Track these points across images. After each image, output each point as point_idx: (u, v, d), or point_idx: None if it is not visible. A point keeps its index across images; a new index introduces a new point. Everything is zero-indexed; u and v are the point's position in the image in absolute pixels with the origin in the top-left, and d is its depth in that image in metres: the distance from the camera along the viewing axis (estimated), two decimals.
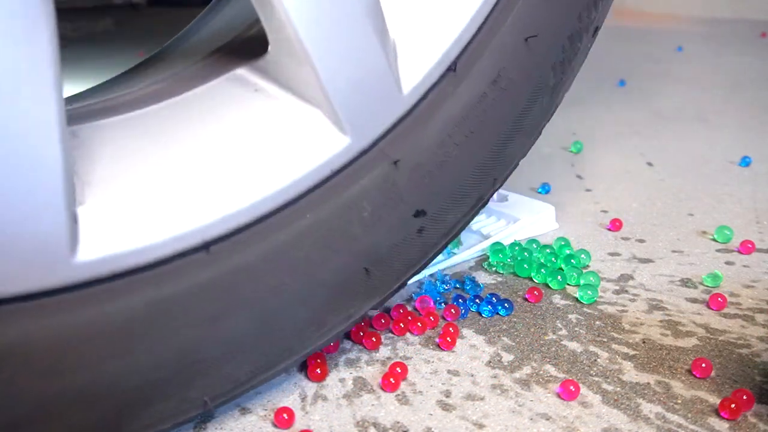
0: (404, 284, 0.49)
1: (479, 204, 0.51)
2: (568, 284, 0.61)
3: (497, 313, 0.56)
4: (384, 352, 0.52)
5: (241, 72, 0.44)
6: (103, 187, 0.37)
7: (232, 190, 0.40)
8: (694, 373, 0.48)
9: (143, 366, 0.38)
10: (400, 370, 0.48)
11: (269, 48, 0.42)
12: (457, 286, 0.61)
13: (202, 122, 0.42)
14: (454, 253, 0.65)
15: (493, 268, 0.64)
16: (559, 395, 0.46)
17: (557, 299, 0.59)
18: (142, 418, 0.39)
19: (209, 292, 0.40)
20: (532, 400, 0.46)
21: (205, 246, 0.39)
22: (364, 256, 0.45)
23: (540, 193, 0.82)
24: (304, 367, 0.50)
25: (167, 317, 0.38)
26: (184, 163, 0.40)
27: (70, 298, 0.36)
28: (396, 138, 0.45)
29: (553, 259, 0.63)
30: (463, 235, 0.68)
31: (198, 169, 0.40)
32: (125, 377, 0.38)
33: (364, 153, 0.44)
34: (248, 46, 0.46)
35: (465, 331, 0.54)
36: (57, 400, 0.36)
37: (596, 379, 0.48)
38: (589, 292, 0.57)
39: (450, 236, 0.50)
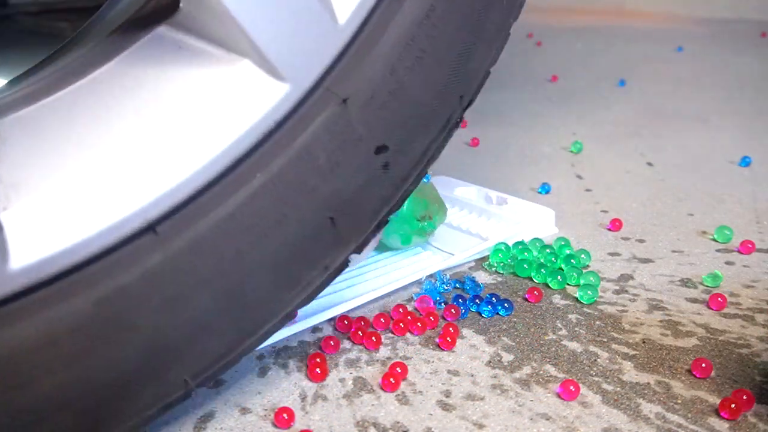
0: (384, 222, 0.47)
1: (449, 125, 0.48)
2: (568, 284, 0.61)
3: (497, 313, 0.56)
4: (384, 352, 0.52)
5: (161, 31, 0.40)
6: (28, 186, 0.35)
7: (168, 163, 0.37)
8: (694, 373, 0.48)
9: (109, 362, 0.37)
10: (400, 370, 0.48)
11: (180, 2, 0.39)
12: (457, 286, 0.61)
13: (127, 93, 0.39)
14: (451, 254, 0.65)
15: (493, 268, 0.64)
16: (559, 395, 0.46)
17: (557, 299, 0.59)
18: (123, 409, 0.38)
19: (164, 275, 0.38)
20: (532, 400, 0.46)
21: (151, 227, 0.37)
22: (326, 206, 0.43)
23: (540, 193, 0.82)
24: (304, 367, 0.50)
25: (123, 309, 0.37)
26: (113, 141, 0.37)
27: (12, 310, 0.34)
28: (341, 74, 0.41)
29: (553, 259, 0.63)
30: (463, 238, 0.68)
31: (129, 145, 0.37)
32: (92, 377, 0.37)
33: (307, 97, 0.41)
34: (162, 6, 0.42)
35: (465, 331, 0.54)
36: (25, 411, 0.35)
37: (596, 379, 0.48)
38: (589, 292, 0.57)
39: (423, 165, 0.47)
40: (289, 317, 0.44)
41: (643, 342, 0.52)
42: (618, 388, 0.47)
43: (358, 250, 0.46)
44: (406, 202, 0.61)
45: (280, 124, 0.40)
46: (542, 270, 0.61)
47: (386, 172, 0.45)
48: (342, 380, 0.49)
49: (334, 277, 0.46)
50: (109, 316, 0.37)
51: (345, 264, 0.45)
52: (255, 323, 0.42)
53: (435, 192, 0.65)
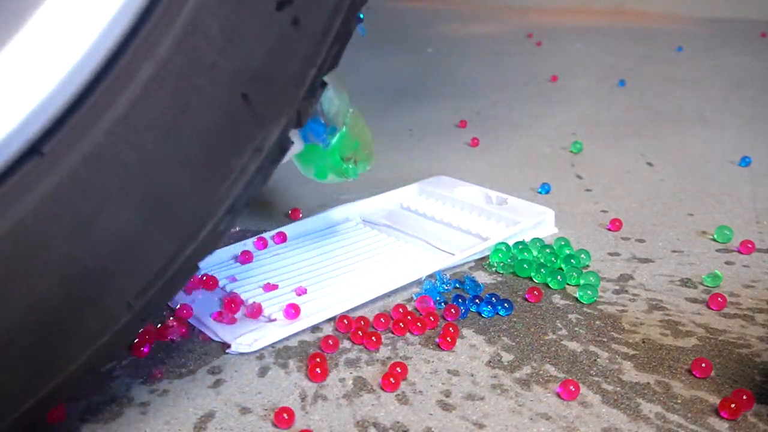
0: (319, 86, 0.42)
1: None
2: (568, 284, 0.61)
3: (497, 313, 0.56)
4: (384, 352, 0.52)
5: None
6: None
7: (29, 72, 0.33)
8: (694, 373, 0.48)
9: (32, 301, 0.35)
10: (400, 370, 0.48)
11: None
12: (457, 286, 0.61)
13: None
14: (451, 254, 0.65)
15: (493, 268, 0.64)
16: (559, 395, 0.46)
17: (557, 299, 0.59)
18: (70, 345, 0.37)
19: (65, 198, 0.34)
20: (532, 400, 0.46)
21: (34, 149, 0.33)
22: (234, 82, 0.38)
23: (540, 193, 0.82)
24: (304, 367, 0.50)
25: (29, 243, 0.34)
26: None
27: None
28: None
29: (553, 259, 0.63)
30: (463, 238, 0.68)
31: None
32: (18, 320, 0.35)
33: None
34: None
35: (465, 331, 0.54)
36: None
37: (596, 379, 0.48)
38: (589, 292, 0.57)
39: (345, 11, 0.41)
40: (236, 211, 0.41)
41: (643, 342, 0.52)
42: (618, 388, 0.47)
43: (296, 123, 0.41)
44: (337, 136, 0.59)
45: (152, 2, 0.35)
46: (542, 270, 0.61)
47: (298, 28, 0.40)
48: (342, 380, 0.49)
49: (278, 158, 0.42)
50: (14, 253, 0.34)
51: (284, 141, 0.41)
52: (192, 226, 0.39)
53: (370, 138, 0.63)
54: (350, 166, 0.61)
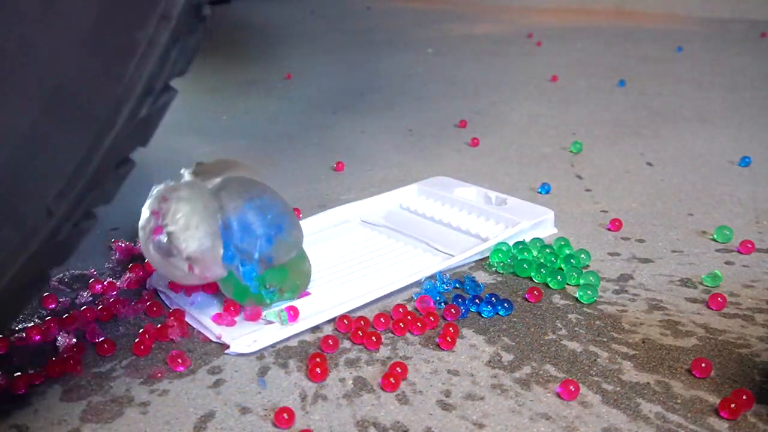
0: None
1: None
2: (568, 284, 0.61)
3: (497, 313, 0.56)
4: (384, 352, 0.52)
5: None
6: None
7: None
8: (693, 372, 0.48)
9: None
10: (400, 370, 0.48)
11: None
12: (457, 286, 0.61)
13: None
14: (451, 255, 0.65)
15: (493, 268, 0.64)
16: (559, 395, 0.46)
17: (557, 299, 0.59)
18: None
19: None
20: (532, 400, 0.46)
21: None
22: None
23: (540, 193, 0.82)
24: (304, 367, 0.50)
25: None
26: None
27: None
28: None
29: (553, 259, 0.63)
30: (463, 238, 0.68)
31: None
32: None
33: None
34: None
35: (465, 331, 0.54)
36: None
37: (596, 379, 0.48)
38: (588, 292, 0.58)
39: None
40: (156, 92, 0.36)
41: (643, 342, 0.52)
42: (618, 388, 0.47)
43: None
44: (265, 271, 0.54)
45: None
46: (542, 270, 0.61)
47: None
48: (342, 380, 0.49)
49: (195, 26, 0.37)
50: None
51: (197, 6, 0.36)
52: (104, 113, 0.35)
53: (306, 270, 0.58)
54: (271, 292, 0.56)
